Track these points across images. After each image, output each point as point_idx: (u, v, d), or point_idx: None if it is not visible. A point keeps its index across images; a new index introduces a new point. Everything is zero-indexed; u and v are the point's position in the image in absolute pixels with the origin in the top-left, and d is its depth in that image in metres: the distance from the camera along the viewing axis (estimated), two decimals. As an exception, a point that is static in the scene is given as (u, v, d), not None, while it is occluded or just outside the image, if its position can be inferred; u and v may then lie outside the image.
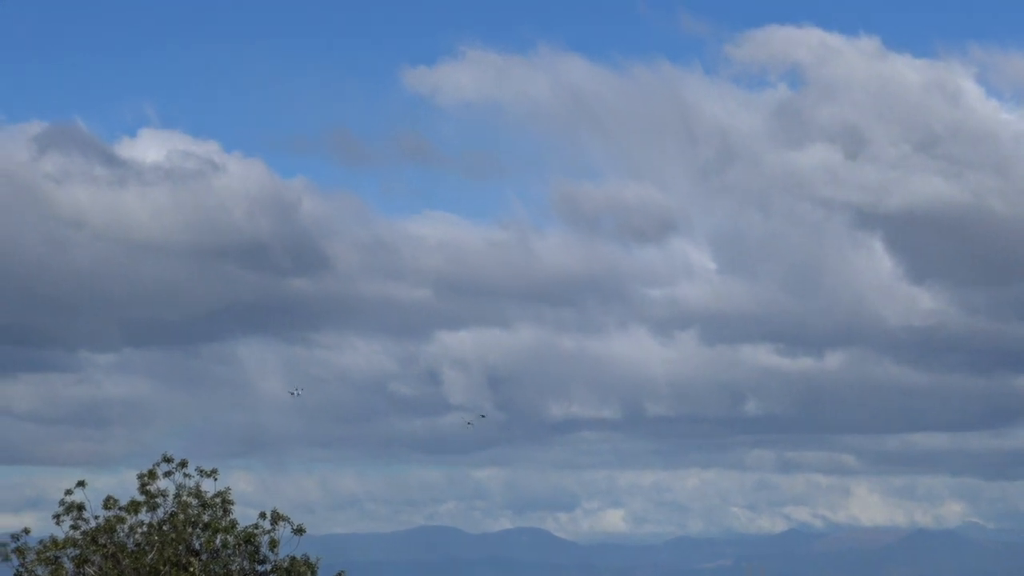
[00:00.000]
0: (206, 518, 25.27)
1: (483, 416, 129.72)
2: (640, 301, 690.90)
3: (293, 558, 24.59)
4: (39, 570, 24.21)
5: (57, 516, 24.34)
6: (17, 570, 24.21)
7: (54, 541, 24.40)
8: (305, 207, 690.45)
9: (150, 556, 23.43)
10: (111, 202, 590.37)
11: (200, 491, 25.71)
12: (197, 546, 25.11)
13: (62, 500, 24.19)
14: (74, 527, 25.02)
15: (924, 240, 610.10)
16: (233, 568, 25.04)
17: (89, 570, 24.07)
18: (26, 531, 24.72)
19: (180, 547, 24.58)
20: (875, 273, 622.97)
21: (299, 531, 24.94)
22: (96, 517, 25.16)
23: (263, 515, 25.23)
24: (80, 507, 24.62)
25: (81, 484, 23.82)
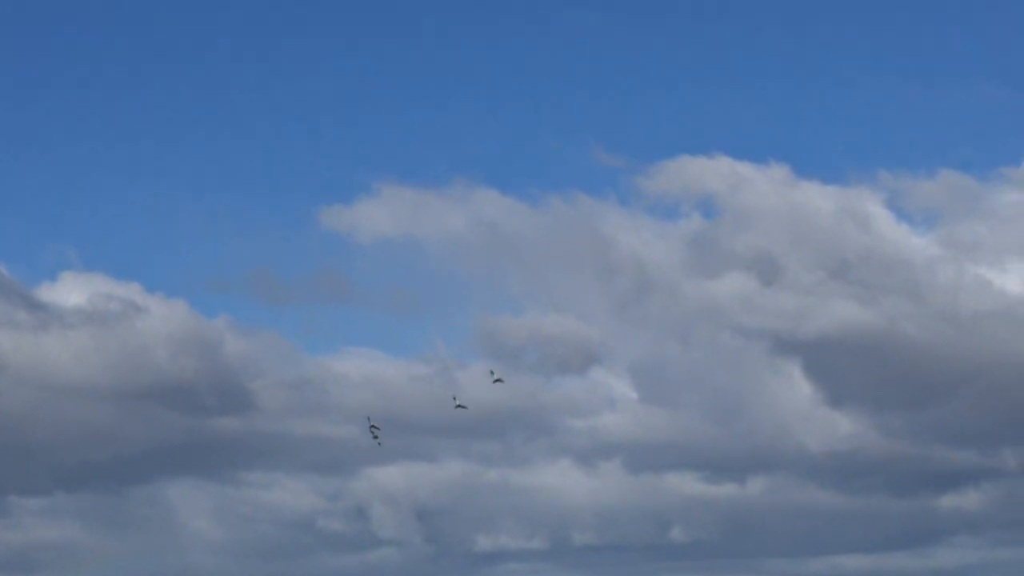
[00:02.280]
0: None
1: (463, 406, 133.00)
2: (564, 432, 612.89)
3: None
4: None
5: None
6: None
7: None
8: (229, 346, 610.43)
9: None
10: (33, 346, 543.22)
11: None
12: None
13: None
14: None
15: (841, 365, 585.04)
16: None
17: None
18: None
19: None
20: (795, 399, 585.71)
21: None
22: None
23: None
24: None
25: None
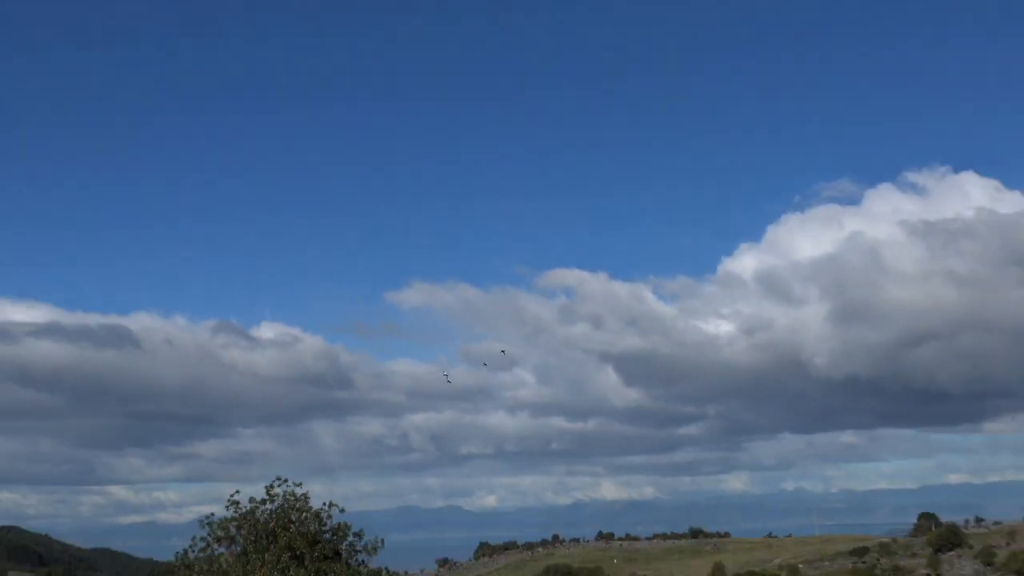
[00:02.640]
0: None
1: (449, 380, 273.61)
2: (501, 398, 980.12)
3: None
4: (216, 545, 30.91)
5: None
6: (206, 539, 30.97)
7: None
8: (342, 357, 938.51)
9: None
10: (248, 358, 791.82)
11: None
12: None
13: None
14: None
15: (632, 367, 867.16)
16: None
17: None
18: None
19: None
20: (609, 384, 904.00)
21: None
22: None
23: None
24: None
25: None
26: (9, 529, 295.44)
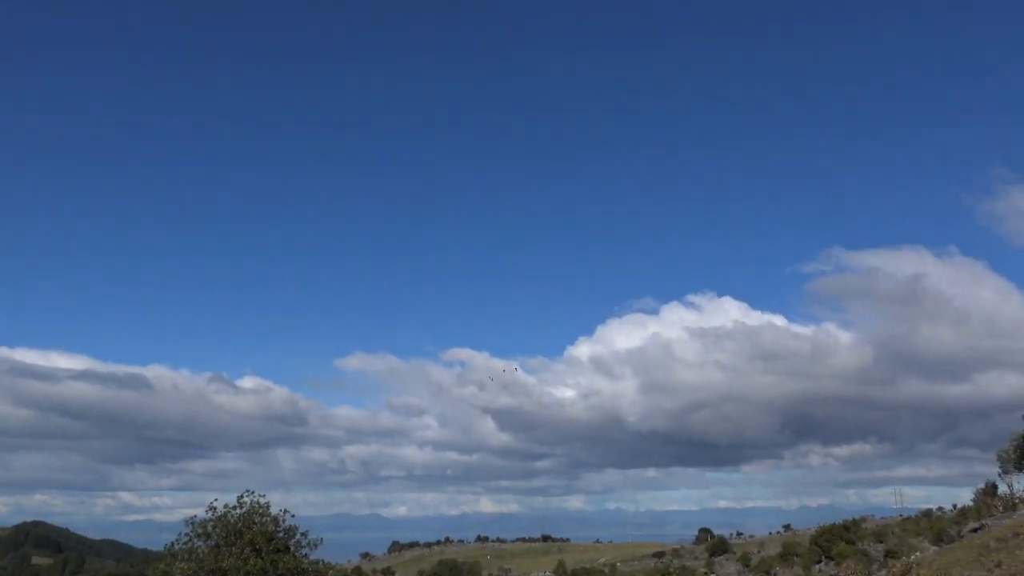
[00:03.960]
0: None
1: (516, 369, 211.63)
2: (413, 434, 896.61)
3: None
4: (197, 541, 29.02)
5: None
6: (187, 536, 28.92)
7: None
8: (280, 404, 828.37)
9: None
10: (229, 407, 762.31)
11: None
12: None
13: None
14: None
15: (508, 418, 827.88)
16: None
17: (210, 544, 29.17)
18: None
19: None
20: (489, 429, 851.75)
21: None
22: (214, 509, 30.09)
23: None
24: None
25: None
26: (37, 523, 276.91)
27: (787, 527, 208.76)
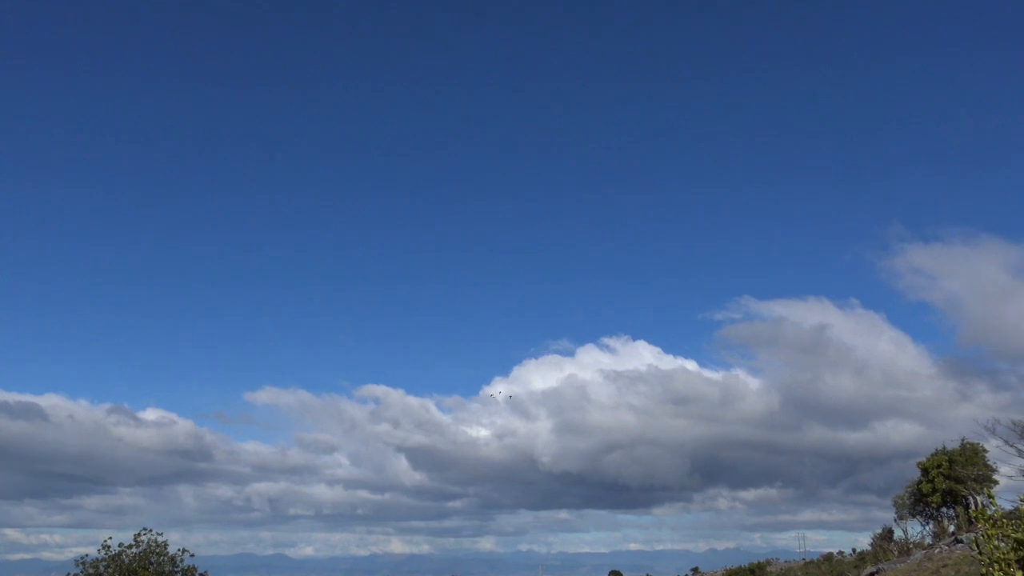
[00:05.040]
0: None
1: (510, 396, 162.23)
2: (326, 471, 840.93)
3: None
4: None
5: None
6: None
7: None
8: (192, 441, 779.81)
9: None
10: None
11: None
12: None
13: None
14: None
15: (420, 457, 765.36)
16: None
17: None
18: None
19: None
20: (402, 467, 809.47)
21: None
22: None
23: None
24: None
25: None
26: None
27: (695, 570, 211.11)
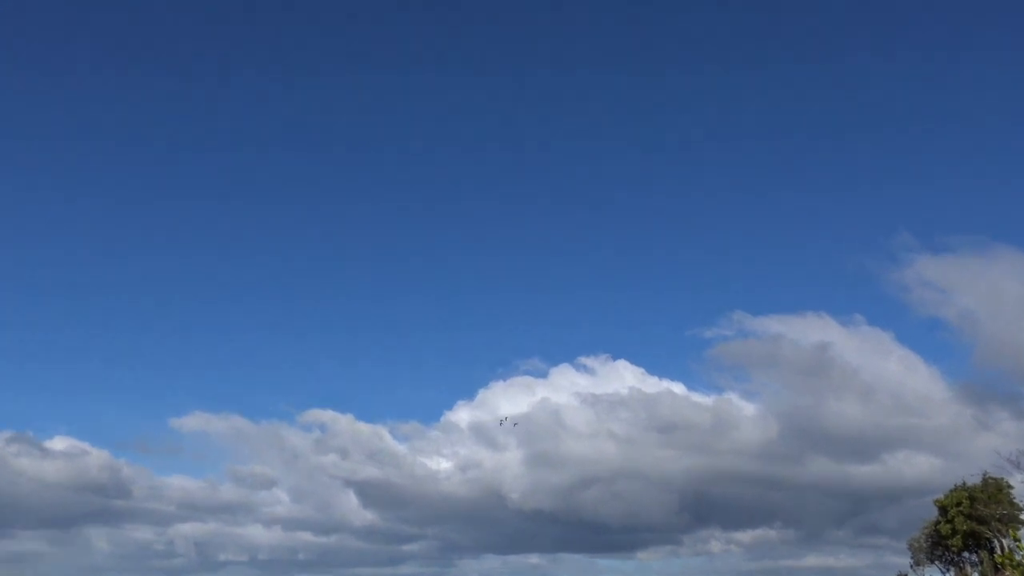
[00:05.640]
0: None
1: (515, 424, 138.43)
2: (269, 506, 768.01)
3: None
4: None
5: None
6: None
7: None
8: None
9: None
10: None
11: None
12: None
13: None
14: None
15: (373, 493, 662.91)
16: None
17: None
18: None
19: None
20: (350, 504, 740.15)
21: None
22: None
23: None
24: None
25: None
26: None
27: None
